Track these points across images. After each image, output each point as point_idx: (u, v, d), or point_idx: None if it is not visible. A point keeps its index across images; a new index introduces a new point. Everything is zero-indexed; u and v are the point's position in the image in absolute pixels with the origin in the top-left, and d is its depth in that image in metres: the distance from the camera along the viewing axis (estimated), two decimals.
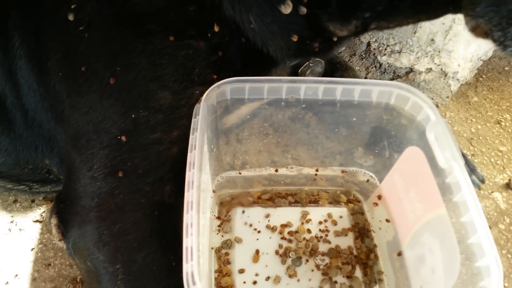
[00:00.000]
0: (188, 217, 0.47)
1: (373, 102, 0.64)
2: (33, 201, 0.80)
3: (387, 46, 1.02)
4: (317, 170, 0.77)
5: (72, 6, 0.56)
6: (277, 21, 0.56)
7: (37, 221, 0.76)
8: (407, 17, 0.56)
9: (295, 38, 0.58)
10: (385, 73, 1.05)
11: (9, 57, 0.60)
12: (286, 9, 0.54)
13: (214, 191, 0.74)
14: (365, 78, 1.06)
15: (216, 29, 0.58)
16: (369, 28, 0.58)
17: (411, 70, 1.02)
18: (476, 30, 0.53)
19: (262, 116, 0.74)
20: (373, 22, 0.56)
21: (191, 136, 0.54)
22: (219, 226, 0.71)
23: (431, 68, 0.99)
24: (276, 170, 0.77)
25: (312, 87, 0.62)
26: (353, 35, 0.60)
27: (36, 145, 0.67)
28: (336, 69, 0.90)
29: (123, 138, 0.53)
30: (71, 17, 0.56)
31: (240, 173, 0.77)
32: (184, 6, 0.56)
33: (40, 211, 0.78)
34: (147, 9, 0.55)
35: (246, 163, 0.81)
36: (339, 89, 0.63)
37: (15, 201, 0.79)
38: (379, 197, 0.72)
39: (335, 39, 0.60)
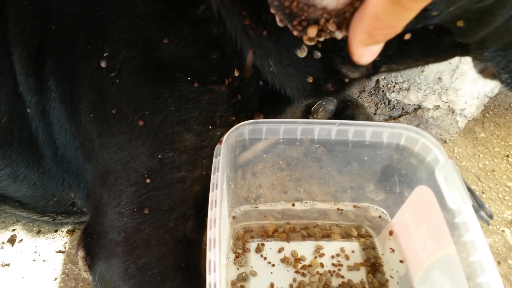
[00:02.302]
0: (211, 254, 0.50)
1: (384, 143, 0.68)
2: (56, 231, 0.83)
3: (396, 83, 1.06)
4: (339, 209, 0.80)
5: (105, 54, 0.60)
6: (294, 64, 0.60)
7: (60, 251, 0.80)
8: (416, 60, 0.59)
9: (310, 80, 0.62)
10: (394, 109, 1.08)
11: (44, 98, 0.65)
12: (302, 53, 0.58)
13: (230, 225, 0.77)
14: (375, 114, 1.10)
15: (236, 73, 0.62)
16: (380, 70, 0.61)
17: (419, 107, 1.05)
18: (484, 72, 0.56)
19: (276, 152, 0.77)
20: (384, 65, 0.60)
21: (212, 176, 0.58)
22: (235, 259, 0.74)
23: (438, 105, 1.03)
24: (293, 205, 0.80)
25: (325, 128, 0.66)
26: (365, 77, 0.64)
27: (63, 179, 0.71)
28: (347, 106, 0.94)
29: (148, 180, 0.57)
30: (103, 64, 0.60)
31: (256, 207, 0.80)
32: (208, 54, 0.61)
33: (63, 242, 0.81)
34: (174, 58, 0.59)
35: (260, 197, 0.84)
36: (351, 130, 0.66)
37: (39, 232, 0.83)
38: (391, 233, 0.75)
39: (347, 80, 0.64)
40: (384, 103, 1.09)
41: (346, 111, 0.93)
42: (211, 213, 0.53)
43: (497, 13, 0.46)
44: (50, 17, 0.63)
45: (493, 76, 0.54)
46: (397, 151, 0.68)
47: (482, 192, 0.94)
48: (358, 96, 1.11)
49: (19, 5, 0.63)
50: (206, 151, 0.61)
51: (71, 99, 0.64)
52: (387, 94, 1.07)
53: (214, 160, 0.60)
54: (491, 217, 0.87)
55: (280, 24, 0.44)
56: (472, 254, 0.52)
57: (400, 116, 1.08)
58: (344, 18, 0.45)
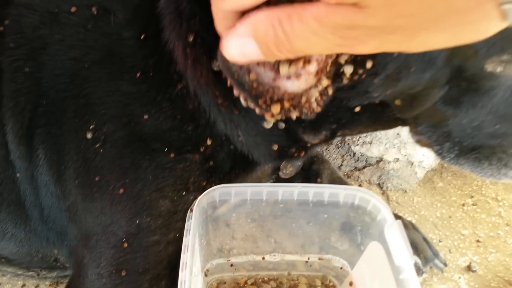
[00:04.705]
0: None
1: (341, 202, 0.75)
2: (37, 286, 0.87)
3: (360, 137, 1.16)
4: (307, 261, 0.87)
5: (91, 127, 0.67)
6: (261, 134, 0.68)
7: None
8: (366, 127, 0.69)
9: (275, 147, 0.70)
10: (359, 161, 1.18)
11: (33, 165, 0.71)
12: (268, 124, 0.66)
13: (206, 275, 0.83)
14: (341, 165, 1.19)
15: (209, 142, 0.70)
16: (336, 135, 0.71)
17: (381, 159, 1.15)
18: (420, 142, 0.67)
19: (249, 205, 0.84)
20: (339, 131, 0.69)
21: (184, 239, 0.64)
22: None
23: (398, 158, 1.12)
24: (263, 258, 0.87)
25: (288, 190, 0.74)
26: (324, 142, 0.73)
27: (48, 237, 0.76)
28: (314, 162, 1.03)
29: (126, 244, 0.63)
30: (89, 135, 0.67)
31: (228, 260, 0.86)
32: (184, 126, 0.68)
33: None
34: (153, 131, 0.66)
35: (233, 248, 0.90)
36: (311, 192, 0.74)
37: (23, 286, 0.87)
38: (351, 284, 0.81)
39: (309, 145, 0.73)
40: (350, 155, 1.18)
41: (313, 166, 1.01)
42: (182, 275, 0.59)
43: (424, 99, 0.56)
44: (42, 93, 0.71)
45: (427, 145, 0.64)
46: (353, 209, 0.76)
47: (440, 241, 1.02)
48: (326, 148, 1.20)
49: (14, 82, 0.71)
50: (180, 214, 0.68)
51: (58, 166, 0.70)
52: (352, 147, 1.17)
53: (186, 223, 0.66)
54: (445, 264, 0.95)
55: (244, 103, 0.51)
56: None
57: (364, 167, 1.17)
58: (299, 101, 0.53)
